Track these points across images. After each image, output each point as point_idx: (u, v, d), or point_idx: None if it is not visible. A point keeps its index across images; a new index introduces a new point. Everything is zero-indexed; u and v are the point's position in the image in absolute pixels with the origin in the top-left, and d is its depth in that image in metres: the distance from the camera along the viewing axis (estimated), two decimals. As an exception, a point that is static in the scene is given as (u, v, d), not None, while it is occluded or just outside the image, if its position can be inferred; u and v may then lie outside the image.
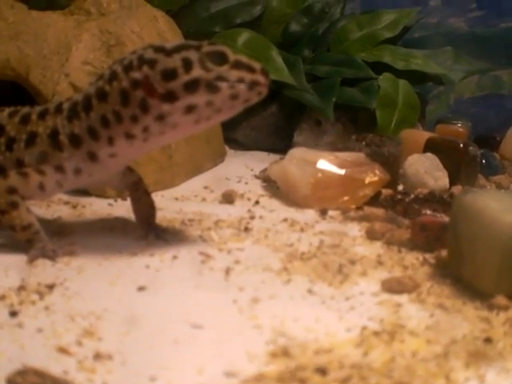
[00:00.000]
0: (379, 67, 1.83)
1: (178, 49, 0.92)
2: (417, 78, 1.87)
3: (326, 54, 1.89)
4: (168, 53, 0.92)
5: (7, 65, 1.20)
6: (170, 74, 0.90)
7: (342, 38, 1.92)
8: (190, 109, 0.91)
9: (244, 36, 1.81)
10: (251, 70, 0.92)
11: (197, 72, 0.90)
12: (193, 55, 0.91)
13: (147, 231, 1.08)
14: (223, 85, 0.90)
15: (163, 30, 1.49)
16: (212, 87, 0.90)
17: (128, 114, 0.93)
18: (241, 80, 0.91)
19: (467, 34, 2.20)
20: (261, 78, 0.92)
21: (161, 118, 0.92)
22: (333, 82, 1.75)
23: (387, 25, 1.96)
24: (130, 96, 0.92)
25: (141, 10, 1.48)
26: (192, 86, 0.90)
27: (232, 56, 0.92)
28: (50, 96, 1.24)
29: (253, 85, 0.92)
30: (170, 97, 0.90)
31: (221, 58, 0.91)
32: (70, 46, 1.32)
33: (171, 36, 1.50)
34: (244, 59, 0.93)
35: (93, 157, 0.98)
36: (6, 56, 1.20)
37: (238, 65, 0.92)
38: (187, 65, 0.90)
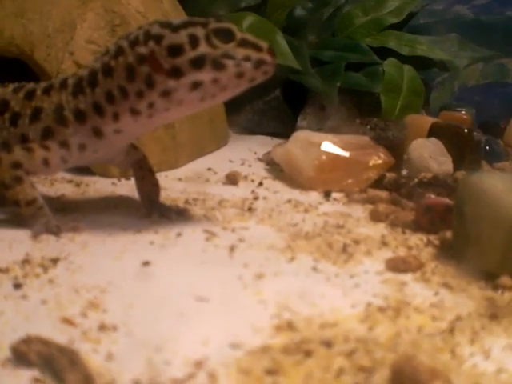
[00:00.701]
0: (384, 53, 1.82)
1: (184, 25, 0.91)
2: (421, 63, 1.87)
3: (331, 38, 1.89)
4: (174, 29, 0.91)
5: (12, 42, 1.20)
6: (176, 50, 0.90)
7: (347, 23, 1.92)
8: (195, 85, 0.90)
9: (248, 20, 1.80)
10: (258, 48, 0.91)
11: (203, 48, 0.90)
12: (199, 32, 0.90)
13: (151, 209, 1.08)
14: (229, 62, 0.90)
15: (167, 11, 1.48)
16: (218, 64, 0.90)
17: (133, 90, 0.92)
18: (247, 58, 0.90)
19: (472, 21, 2.19)
20: (267, 57, 0.92)
21: (166, 93, 0.91)
22: (337, 66, 1.75)
23: (392, 10, 1.96)
24: (135, 71, 0.92)
25: (146, -11, 1.47)
26: (198, 63, 0.89)
27: (239, 34, 0.91)
28: (55, 74, 1.24)
29: (259, 63, 0.91)
30: (176, 73, 0.90)
31: (227, 36, 0.90)
32: (75, 24, 1.32)
33: (176, 17, 1.49)
34: (251, 37, 0.92)
35: (98, 133, 0.97)
36: (11, 33, 1.20)
37: (244, 43, 0.91)
38: (193, 41, 0.90)
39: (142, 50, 0.91)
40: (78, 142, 0.98)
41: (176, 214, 1.08)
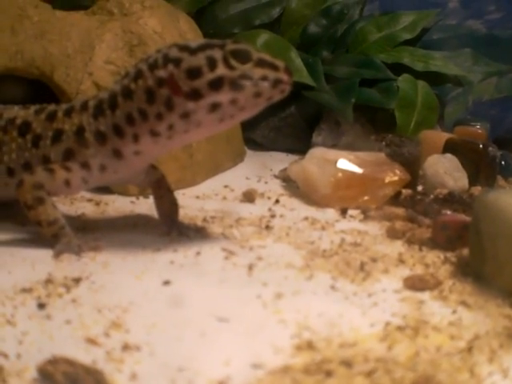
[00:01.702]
0: (398, 68, 1.83)
1: (202, 47, 0.93)
2: (435, 79, 1.87)
3: (345, 55, 1.90)
4: (193, 51, 0.93)
5: (32, 63, 1.22)
6: (194, 73, 0.91)
7: (361, 39, 1.93)
8: (214, 107, 0.92)
9: (263, 37, 1.82)
10: (275, 67, 0.93)
11: (221, 70, 0.91)
12: (217, 54, 0.92)
13: (170, 228, 1.10)
14: (247, 83, 0.91)
15: (184, 31, 1.50)
16: (236, 85, 0.91)
17: (153, 112, 0.94)
18: (264, 78, 0.92)
19: (486, 35, 2.19)
20: (284, 76, 0.93)
21: (185, 115, 0.93)
22: (352, 82, 1.75)
23: (406, 26, 1.96)
24: (155, 94, 0.94)
25: (162, 10, 1.49)
26: (216, 84, 0.91)
27: (255, 54, 0.93)
28: (74, 95, 1.26)
29: (276, 83, 0.93)
30: (195, 95, 0.91)
31: (244, 57, 0.92)
32: (94, 45, 1.34)
33: (192, 36, 1.51)
34: (267, 57, 0.94)
35: (118, 154, 0.99)
36: (31, 55, 1.22)
37: (261, 63, 0.92)
38: (212, 63, 0.91)
39: (162, 73, 0.93)
40: (98, 163, 1.00)
41: (194, 233, 1.09)
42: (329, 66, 1.85)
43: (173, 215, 1.12)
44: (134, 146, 0.98)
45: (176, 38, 1.43)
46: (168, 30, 1.43)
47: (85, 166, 1.00)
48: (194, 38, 1.51)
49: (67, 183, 0.99)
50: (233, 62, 0.91)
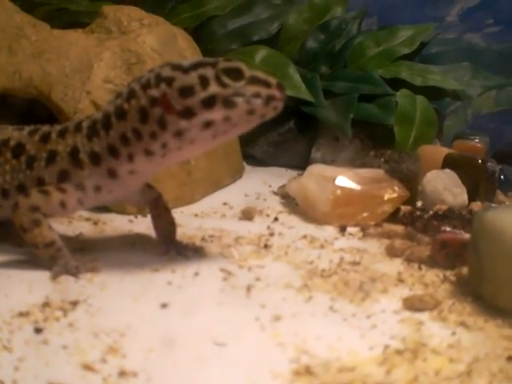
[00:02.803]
0: (396, 83, 1.83)
1: (194, 66, 0.94)
2: (434, 93, 1.87)
3: (343, 70, 1.90)
4: (185, 70, 0.93)
5: (30, 83, 1.22)
6: (187, 91, 0.92)
7: (359, 54, 1.93)
8: (207, 124, 0.92)
9: (261, 53, 1.82)
10: (267, 84, 0.93)
11: (214, 88, 0.92)
12: (209, 72, 0.92)
13: (168, 247, 1.10)
14: (240, 100, 0.92)
15: (183, 48, 1.50)
16: (229, 103, 0.92)
17: (147, 131, 0.95)
18: (257, 95, 0.92)
19: (484, 49, 2.20)
20: (277, 93, 0.93)
21: (179, 134, 0.93)
22: (350, 98, 1.75)
23: (404, 41, 1.96)
24: (148, 113, 0.94)
25: (160, 28, 1.50)
26: (209, 102, 0.92)
27: (248, 72, 0.93)
28: (72, 114, 1.26)
29: (269, 100, 0.93)
30: (188, 113, 0.92)
31: (237, 74, 0.92)
32: (92, 64, 1.34)
33: (190, 54, 1.51)
34: (260, 74, 0.94)
35: (113, 174, 0.99)
36: (29, 75, 1.22)
37: (254, 80, 0.93)
38: (204, 81, 0.92)
39: (154, 92, 0.94)
40: (93, 183, 1.00)
41: (192, 252, 1.09)
42: (327, 82, 1.85)
43: (170, 235, 1.12)
44: (129, 165, 0.98)
45: (174, 55, 1.43)
46: (166, 48, 1.44)
47: (80, 187, 1.00)
48: (193, 55, 1.51)
49: (63, 205, 0.99)
50: (225, 80, 0.92)
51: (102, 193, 1.01)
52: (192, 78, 0.92)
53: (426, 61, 2.01)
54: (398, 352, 0.78)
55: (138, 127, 0.95)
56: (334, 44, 1.95)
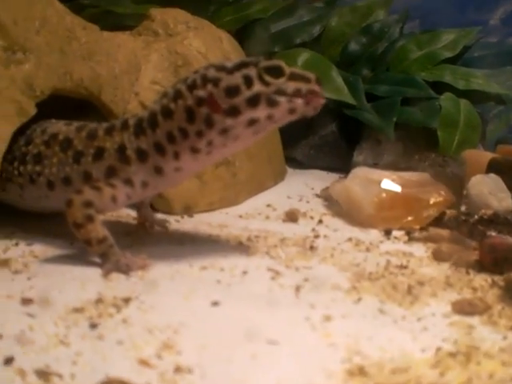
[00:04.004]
0: (439, 87, 1.82)
1: (238, 66, 0.98)
2: (477, 97, 1.86)
3: (386, 73, 1.90)
4: (229, 71, 0.97)
5: (81, 84, 1.24)
6: (233, 91, 0.96)
7: (402, 58, 1.93)
8: (251, 122, 0.97)
9: (304, 56, 1.83)
10: (306, 80, 0.97)
11: (257, 87, 0.96)
12: (252, 71, 0.96)
13: (151, 222, 1.21)
14: (282, 99, 0.96)
15: (228, 51, 1.52)
16: (272, 102, 0.96)
17: (193, 130, 0.98)
18: (298, 91, 0.96)
19: (528, 53, 2.17)
20: (316, 87, 0.97)
21: (224, 131, 0.97)
22: (393, 101, 1.75)
23: (447, 44, 1.95)
24: (195, 113, 0.98)
25: (206, 30, 1.51)
26: (254, 101, 0.96)
27: (287, 69, 0.97)
28: (121, 114, 1.28)
29: (309, 94, 0.96)
30: (234, 112, 0.96)
31: (278, 72, 0.96)
32: (140, 65, 1.36)
33: (235, 56, 1.52)
34: (298, 71, 0.99)
35: (159, 170, 1.03)
36: (80, 76, 1.24)
37: (293, 76, 0.97)
38: (248, 81, 0.96)
39: (201, 92, 0.97)
40: (140, 179, 1.04)
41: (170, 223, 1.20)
42: (369, 85, 1.85)
43: (150, 211, 1.23)
44: (175, 162, 1.02)
45: (219, 58, 1.44)
46: (212, 50, 1.45)
47: (128, 182, 1.03)
48: (237, 58, 1.52)
49: (114, 199, 1.03)
50: (267, 78, 0.96)
51: (148, 188, 1.05)
52: (237, 78, 0.96)
53: (468, 64, 1.99)
54: (451, 355, 0.78)
55: (184, 126, 0.99)
56: (376, 47, 1.95)
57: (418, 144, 1.73)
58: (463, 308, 0.92)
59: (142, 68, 1.36)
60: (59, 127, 1.12)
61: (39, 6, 1.19)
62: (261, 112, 0.96)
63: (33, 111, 1.13)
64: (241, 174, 1.42)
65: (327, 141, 1.82)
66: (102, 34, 1.35)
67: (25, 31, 1.15)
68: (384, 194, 1.29)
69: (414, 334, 0.83)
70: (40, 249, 1.08)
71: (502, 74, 1.99)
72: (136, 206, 1.22)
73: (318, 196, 1.53)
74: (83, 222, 0.99)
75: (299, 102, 0.96)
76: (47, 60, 1.17)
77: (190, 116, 0.98)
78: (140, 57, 1.37)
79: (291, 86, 0.96)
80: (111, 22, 1.77)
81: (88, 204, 1.00)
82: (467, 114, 1.75)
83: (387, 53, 1.94)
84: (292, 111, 0.97)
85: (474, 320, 0.89)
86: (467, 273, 1.06)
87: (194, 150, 1.00)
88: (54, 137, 1.10)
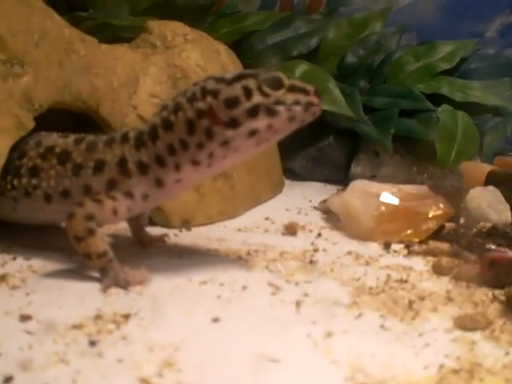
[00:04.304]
0: (436, 99, 1.82)
1: (237, 78, 0.98)
2: (474, 109, 1.86)
3: (383, 85, 1.90)
4: (229, 82, 0.97)
5: (79, 97, 1.24)
6: (232, 102, 0.96)
7: (399, 70, 1.93)
8: (252, 133, 0.97)
9: (301, 68, 1.83)
10: (305, 92, 0.98)
11: (257, 98, 0.96)
12: (251, 83, 0.97)
13: (144, 241, 1.20)
14: (281, 108, 0.96)
15: (226, 63, 1.52)
16: (271, 111, 0.96)
17: (194, 142, 0.98)
18: (297, 102, 0.97)
19: (525, 65, 2.17)
20: (315, 99, 0.98)
21: (225, 143, 0.98)
22: (390, 113, 1.75)
23: (444, 56, 1.96)
24: (195, 125, 0.98)
25: (204, 42, 1.51)
26: (253, 112, 0.96)
27: (287, 81, 0.98)
28: (119, 128, 1.27)
29: (308, 106, 0.97)
30: (234, 123, 0.96)
31: (277, 83, 0.97)
32: (138, 78, 1.36)
33: (233, 69, 1.52)
34: (298, 83, 0.99)
35: (159, 183, 1.03)
36: (79, 89, 1.23)
37: (292, 88, 0.97)
38: (247, 92, 0.96)
39: (201, 105, 0.98)
40: (141, 192, 1.04)
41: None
42: (366, 97, 1.85)
43: (144, 229, 1.21)
44: (176, 174, 1.02)
45: (218, 70, 1.44)
46: (210, 62, 1.45)
47: (128, 195, 1.03)
48: (235, 70, 1.52)
49: (115, 212, 1.02)
50: (266, 90, 0.96)
51: (148, 201, 1.05)
52: (236, 90, 0.96)
53: (465, 76, 2.00)
54: (454, 371, 0.77)
55: (185, 138, 0.99)
56: (373, 59, 1.95)
57: (416, 156, 1.73)
58: (465, 323, 0.91)
59: (140, 81, 1.35)
60: (55, 140, 1.11)
61: (38, 18, 1.19)
62: (260, 122, 0.96)
63: (31, 125, 1.13)
64: (239, 187, 1.42)
65: (325, 153, 1.82)
66: (100, 46, 1.35)
67: (23, 44, 1.15)
68: (383, 208, 1.28)
69: (416, 350, 0.83)
70: (38, 263, 1.07)
71: (499, 85, 2.00)
72: (130, 228, 1.21)
73: (316, 209, 1.52)
74: (84, 235, 0.99)
75: (298, 109, 0.97)
76: (46, 73, 1.17)
77: (190, 128, 0.98)
78: (138, 70, 1.37)
79: (290, 98, 0.96)
80: (109, 33, 1.77)
81: (90, 217, 0.99)
82: (465, 126, 1.75)
83: (384, 65, 1.94)
84: (291, 119, 0.97)
85: (476, 335, 0.89)
86: (468, 287, 1.06)
87: (195, 162, 1.00)
88: (51, 150, 1.09)
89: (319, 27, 2.01)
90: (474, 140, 1.76)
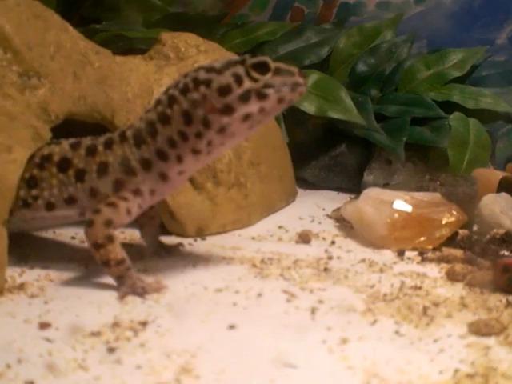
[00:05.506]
0: (448, 106, 1.83)
1: (226, 66, 1.01)
2: (486, 116, 1.87)
3: (394, 93, 1.91)
4: (219, 71, 1.00)
5: (94, 108, 1.25)
6: (225, 90, 0.99)
7: (410, 78, 1.94)
8: (246, 117, 1.00)
9: (313, 77, 1.84)
10: (291, 73, 1.02)
11: (247, 84, 0.99)
12: (240, 69, 1.00)
13: (156, 248, 1.21)
14: (270, 91, 1.00)
15: (237, 73, 1.53)
16: (262, 95, 1.00)
17: (193, 132, 1.02)
18: (284, 84, 1.00)
19: (536, 71, 2.17)
20: (300, 79, 1.02)
21: (222, 130, 1.01)
22: (402, 121, 1.76)
23: (455, 64, 1.96)
24: (192, 115, 1.01)
25: (217, 54, 1.53)
26: (245, 97, 0.99)
27: (273, 64, 1.01)
28: (134, 138, 1.28)
29: (295, 86, 1.01)
30: (228, 110, 0.99)
31: (264, 68, 1.00)
32: (152, 89, 1.37)
33: (246, 78, 1.53)
34: (283, 65, 1.02)
35: (164, 176, 1.06)
36: (94, 100, 1.25)
37: (279, 71, 1.01)
38: (238, 79, 0.99)
39: (195, 95, 1.01)
40: (148, 188, 1.06)
41: (181, 249, 1.21)
42: (378, 105, 1.86)
43: (157, 236, 1.22)
44: (179, 166, 1.05)
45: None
46: (223, 73, 1.46)
47: (137, 192, 1.05)
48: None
49: (129, 212, 1.04)
50: (255, 74, 0.99)
51: (155, 195, 1.08)
52: (227, 77, 0.99)
53: (476, 83, 2.00)
54: (469, 376, 0.78)
55: (183, 129, 1.02)
56: (384, 67, 1.96)
57: (429, 164, 1.74)
58: (479, 329, 0.92)
59: (154, 92, 1.37)
60: (50, 148, 1.10)
61: (53, 31, 1.21)
62: (253, 106, 0.99)
63: (48, 136, 1.14)
64: (252, 196, 1.43)
65: (337, 161, 1.82)
66: (114, 58, 1.37)
67: (39, 57, 1.16)
68: (396, 215, 1.29)
69: (431, 355, 0.83)
70: (55, 272, 1.09)
71: (511, 92, 2.00)
72: (145, 239, 1.22)
73: (329, 217, 1.53)
74: (104, 242, 1.00)
75: (286, 89, 1.00)
76: (61, 85, 1.18)
77: (187, 119, 1.01)
78: (152, 81, 1.39)
79: (278, 80, 1.00)
80: (122, 45, 1.79)
81: (108, 223, 1.01)
82: (477, 133, 1.76)
83: (395, 73, 1.95)
84: (281, 100, 1.00)
85: (491, 341, 0.89)
86: (481, 293, 1.06)
87: (196, 152, 1.03)
88: (48, 158, 1.09)
89: (330, 37, 2.02)
90: (486, 147, 1.76)
